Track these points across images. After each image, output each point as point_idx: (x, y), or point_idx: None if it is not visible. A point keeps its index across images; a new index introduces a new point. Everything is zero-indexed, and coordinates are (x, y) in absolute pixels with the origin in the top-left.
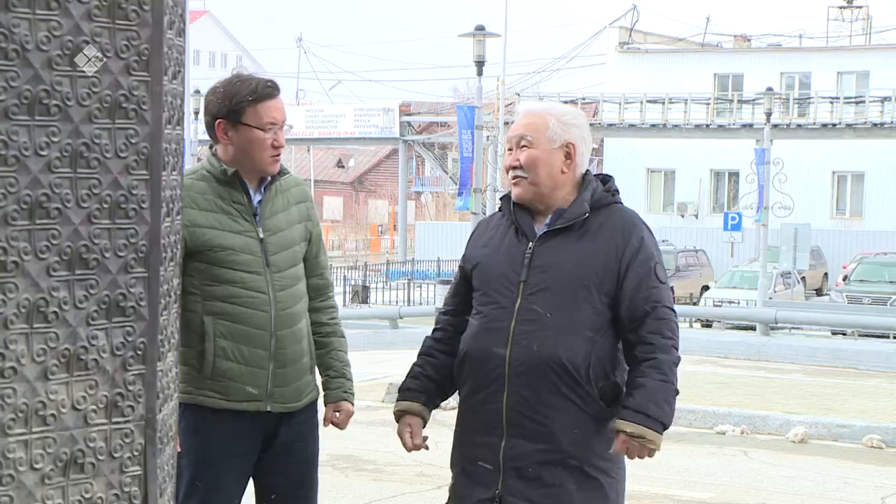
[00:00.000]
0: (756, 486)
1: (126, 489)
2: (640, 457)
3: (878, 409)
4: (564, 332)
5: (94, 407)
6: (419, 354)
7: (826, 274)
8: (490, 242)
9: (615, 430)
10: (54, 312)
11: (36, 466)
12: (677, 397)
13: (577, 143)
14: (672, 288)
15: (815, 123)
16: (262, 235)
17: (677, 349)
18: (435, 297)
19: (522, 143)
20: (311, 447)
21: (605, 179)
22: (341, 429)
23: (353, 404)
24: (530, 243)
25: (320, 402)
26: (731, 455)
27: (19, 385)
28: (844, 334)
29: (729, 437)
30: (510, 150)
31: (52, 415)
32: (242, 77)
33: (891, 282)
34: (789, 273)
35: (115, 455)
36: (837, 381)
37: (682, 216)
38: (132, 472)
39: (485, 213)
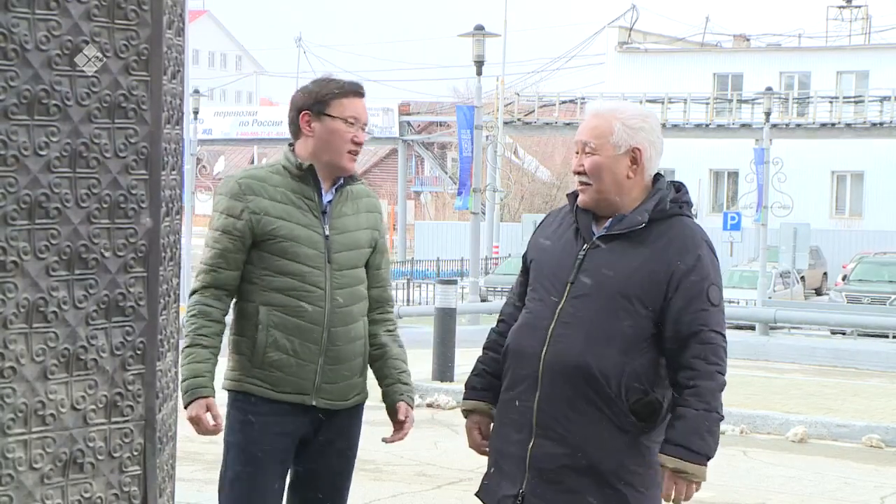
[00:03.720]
0: (756, 486)
1: (125, 489)
2: (687, 496)
3: (878, 408)
4: (599, 341)
5: (93, 407)
6: (484, 348)
7: (825, 273)
8: (552, 237)
9: (661, 467)
10: (53, 312)
11: (35, 466)
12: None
13: (643, 147)
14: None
15: (814, 123)
16: (327, 232)
17: (723, 374)
18: (434, 296)
19: (587, 149)
20: (350, 449)
21: (679, 188)
22: (404, 435)
23: (409, 405)
24: (585, 245)
25: (371, 413)
26: (731, 455)
27: (19, 385)
28: (844, 334)
29: (728, 436)
30: (577, 153)
31: (52, 414)
32: (331, 77)
33: (890, 281)
34: (788, 273)
35: (115, 455)
36: (837, 381)
37: None
38: (131, 472)
39: (483, 213)
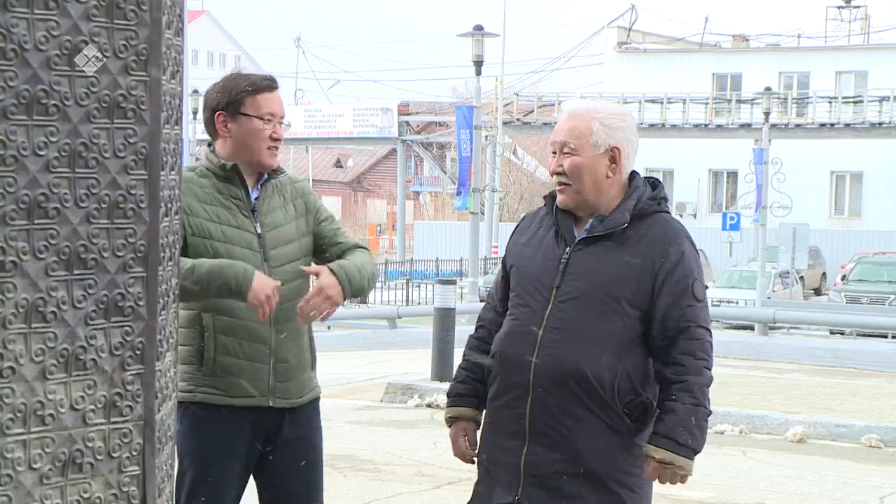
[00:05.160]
0: (755, 486)
1: (124, 489)
2: (672, 483)
3: (877, 408)
4: (591, 345)
5: (92, 407)
6: (464, 355)
7: (824, 274)
8: (531, 241)
9: (645, 456)
10: (53, 312)
11: (34, 466)
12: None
13: (622, 146)
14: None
15: (813, 123)
16: (259, 230)
17: (710, 369)
18: (433, 297)
19: (565, 149)
20: (316, 446)
21: (655, 184)
22: (312, 302)
23: (337, 278)
24: (567, 248)
25: (323, 401)
26: (730, 455)
27: (18, 385)
28: (843, 334)
29: (728, 436)
30: (554, 153)
31: (51, 415)
32: (241, 73)
33: (889, 281)
34: (788, 273)
35: (114, 455)
36: (836, 381)
37: (681, 216)
38: (130, 472)
39: (482, 214)
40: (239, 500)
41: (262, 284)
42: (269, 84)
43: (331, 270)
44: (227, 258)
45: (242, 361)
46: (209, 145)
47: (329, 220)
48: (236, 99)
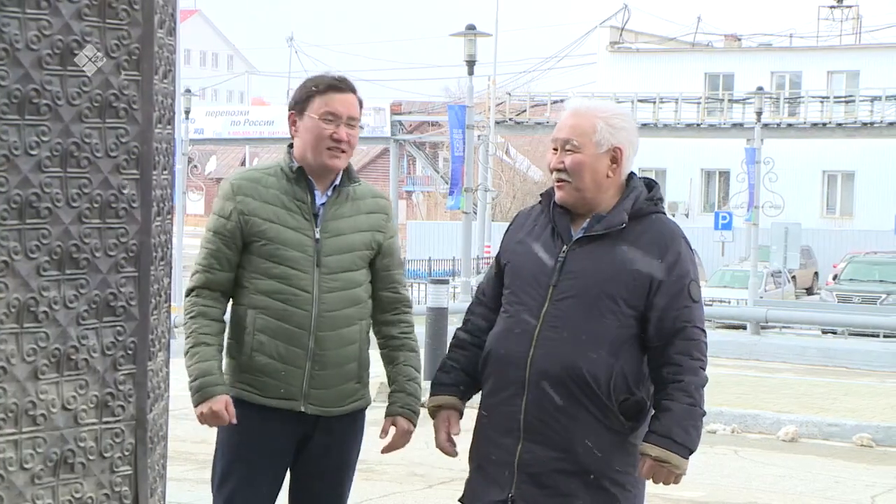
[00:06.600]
0: (746, 485)
1: (116, 489)
2: (666, 482)
3: (869, 407)
4: (588, 344)
5: (84, 407)
6: (451, 347)
7: (816, 273)
8: (526, 239)
9: (640, 454)
10: (44, 312)
11: (26, 466)
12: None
13: (624, 146)
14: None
15: (805, 123)
16: (317, 235)
17: (705, 370)
18: (426, 296)
19: (567, 146)
20: (348, 455)
21: (651, 185)
22: (395, 448)
23: (411, 421)
24: (564, 246)
25: (370, 413)
26: (722, 454)
27: (9, 385)
28: (835, 333)
29: (720, 435)
30: (555, 150)
31: (43, 414)
32: (322, 74)
33: (881, 281)
34: (780, 272)
35: (106, 455)
36: (828, 380)
37: (673, 215)
38: (122, 472)
39: (475, 213)
40: (274, 498)
41: (216, 406)
42: (336, 85)
43: (404, 416)
44: (280, 259)
45: (277, 363)
46: (290, 145)
47: (390, 255)
48: (304, 99)
